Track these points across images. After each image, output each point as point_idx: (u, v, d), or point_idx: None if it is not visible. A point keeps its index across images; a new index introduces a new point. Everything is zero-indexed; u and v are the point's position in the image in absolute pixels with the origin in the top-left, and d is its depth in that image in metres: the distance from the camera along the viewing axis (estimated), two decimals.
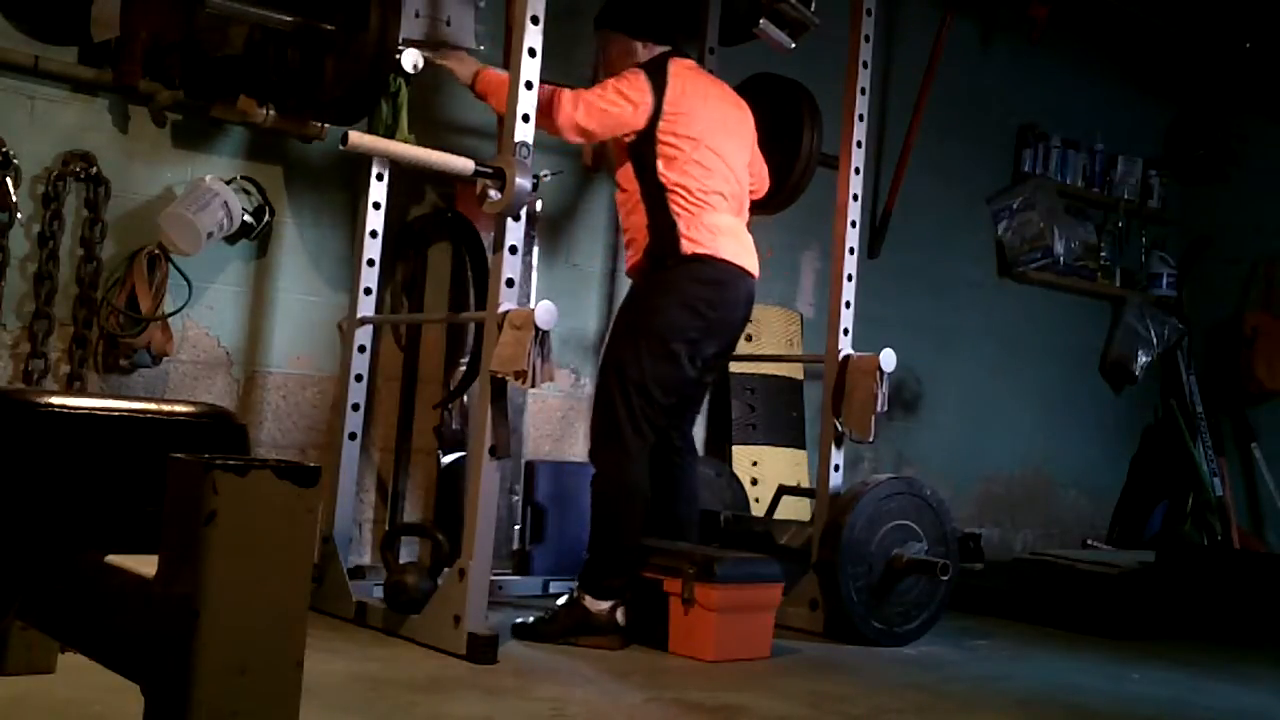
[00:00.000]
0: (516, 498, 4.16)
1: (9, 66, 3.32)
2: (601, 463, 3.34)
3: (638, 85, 3.34)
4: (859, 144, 3.84)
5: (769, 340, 4.82)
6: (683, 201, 3.36)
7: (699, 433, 4.68)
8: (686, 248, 3.33)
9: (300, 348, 3.82)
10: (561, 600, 3.35)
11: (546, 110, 3.23)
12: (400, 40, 3.39)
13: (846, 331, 3.81)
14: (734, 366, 4.72)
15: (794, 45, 3.83)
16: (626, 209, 3.47)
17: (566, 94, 3.27)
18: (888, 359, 3.65)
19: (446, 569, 3.17)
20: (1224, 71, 6.11)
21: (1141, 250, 6.08)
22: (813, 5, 3.77)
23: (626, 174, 3.44)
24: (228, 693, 1.33)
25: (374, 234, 3.59)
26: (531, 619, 3.31)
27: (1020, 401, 5.70)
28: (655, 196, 3.37)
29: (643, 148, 3.37)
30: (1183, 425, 5.97)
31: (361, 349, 3.59)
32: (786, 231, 4.76)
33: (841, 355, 3.77)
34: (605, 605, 3.25)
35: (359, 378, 3.58)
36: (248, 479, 1.33)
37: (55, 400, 1.73)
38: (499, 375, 3.03)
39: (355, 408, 3.55)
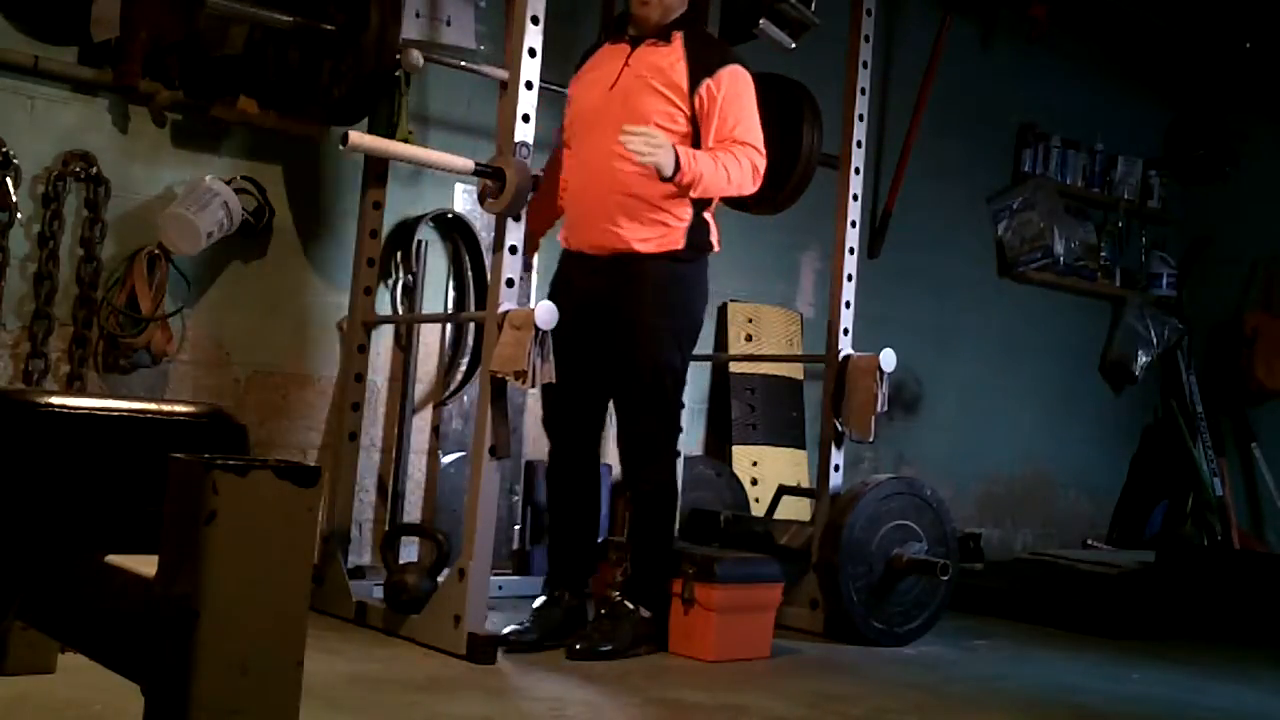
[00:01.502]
0: (516, 498, 4.16)
1: (9, 66, 3.31)
2: (658, 474, 3.24)
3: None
4: (859, 144, 3.84)
5: (769, 340, 4.82)
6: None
7: (699, 432, 4.68)
8: (714, 242, 3.28)
9: (300, 348, 3.82)
10: (604, 614, 3.20)
11: (742, 187, 3.19)
12: (400, 40, 3.39)
13: (846, 331, 3.81)
14: (734, 366, 4.72)
15: (794, 45, 3.84)
16: (665, 193, 3.15)
17: (749, 162, 3.17)
18: (888, 359, 3.65)
19: (446, 569, 3.18)
20: (1224, 71, 6.11)
21: (1141, 250, 6.08)
22: (813, 5, 3.77)
23: None
24: (228, 693, 1.33)
25: (374, 234, 3.60)
26: (581, 641, 3.11)
27: (1020, 401, 5.69)
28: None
29: None
30: (1183, 425, 5.97)
31: (361, 349, 3.59)
32: (786, 231, 4.75)
33: (841, 355, 3.77)
34: (652, 612, 3.22)
35: (359, 378, 3.58)
36: (248, 479, 1.33)
37: (55, 400, 1.73)
38: (499, 375, 3.03)
39: (355, 408, 3.56)
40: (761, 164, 3.21)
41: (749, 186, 3.21)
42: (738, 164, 3.16)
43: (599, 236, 3.21)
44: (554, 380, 3.01)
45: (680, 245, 3.20)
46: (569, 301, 3.13)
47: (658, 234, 3.17)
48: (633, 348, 3.19)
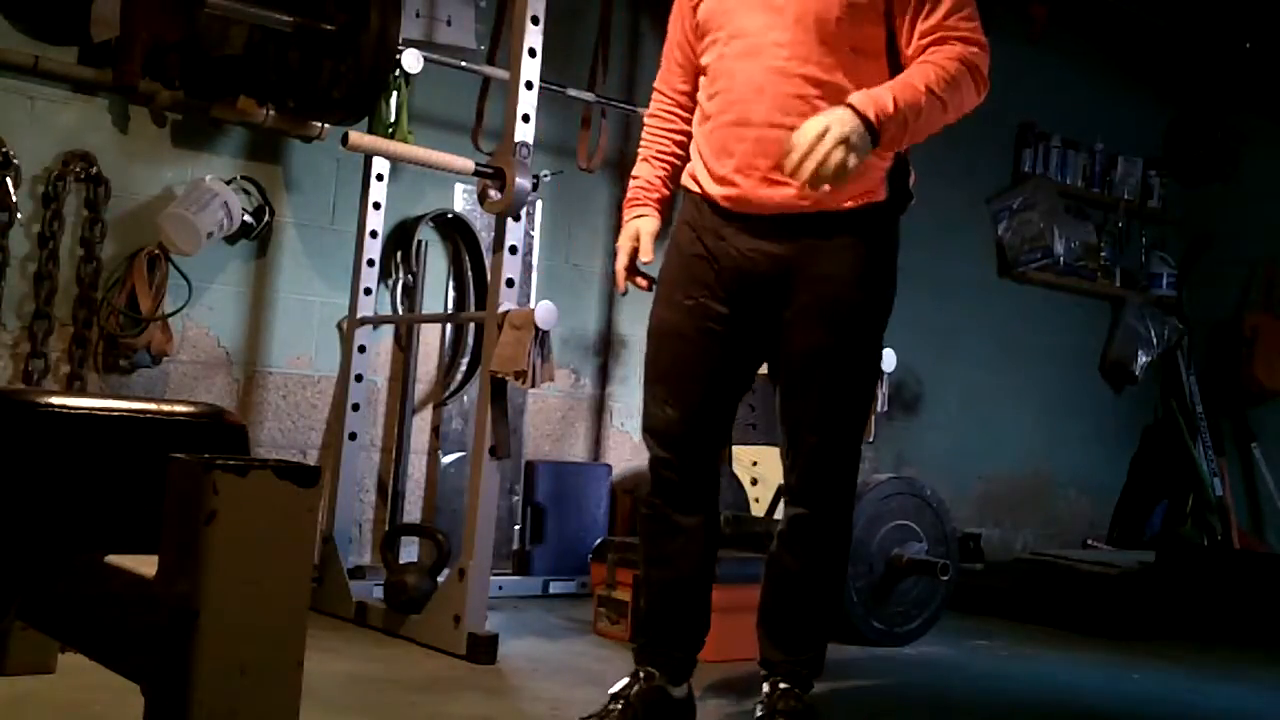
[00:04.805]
0: (516, 498, 4.16)
1: (9, 66, 3.32)
2: (846, 516, 2.46)
3: None
4: None
5: None
6: None
7: None
8: (912, 188, 2.42)
9: (300, 348, 3.82)
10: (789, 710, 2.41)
11: (964, 106, 2.38)
12: (400, 40, 3.39)
13: None
14: None
15: None
16: None
17: (964, 66, 2.34)
18: (888, 359, 3.65)
19: (446, 569, 3.18)
20: (1224, 71, 6.10)
21: (1141, 250, 6.08)
22: None
23: (868, 81, 2.28)
24: (228, 693, 1.33)
25: (374, 234, 3.60)
26: None
27: (1020, 401, 5.69)
28: None
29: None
30: (1183, 425, 5.96)
31: (361, 349, 3.59)
32: None
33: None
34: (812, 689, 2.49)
35: (359, 378, 3.58)
36: (248, 479, 1.33)
37: (55, 400, 1.73)
38: (499, 375, 3.03)
39: (355, 408, 3.56)
40: (984, 61, 2.36)
41: (973, 100, 2.38)
42: (950, 79, 2.26)
43: (772, 191, 2.30)
44: (554, 380, 2.97)
45: (882, 195, 2.37)
46: (718, 277, 2.37)
47: (854, 181, 2.24)
48: (831, 339, 2.35)
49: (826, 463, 2.41)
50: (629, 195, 2.55)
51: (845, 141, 2.11)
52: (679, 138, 2.52)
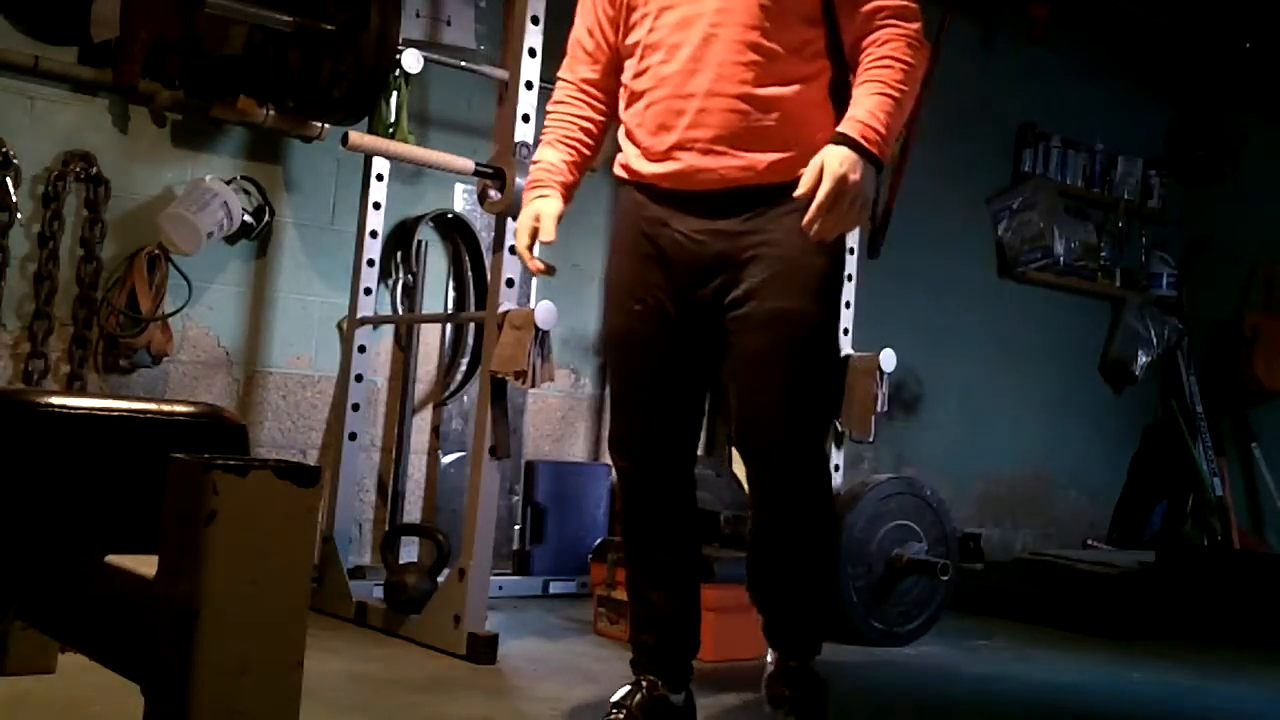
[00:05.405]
0: (516, 498, 4.16)
1: (9, 66, 3.32)
2: (825, 500, 2.42)
3: None
4: None
5: None
6: None
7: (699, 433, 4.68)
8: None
9: (300, 348, 3.82)
10: (796, 682, 2.43)
11: (921, 69, 2.31)
12: (400, 40, 3.39)
13: (846, 331, 3.81)
14: None
15: None
16: (791, 105, 2.25)
17: (910, 49, 2.30)
18: (888, 359, 3.65)
19: (446, 569, 3.18)
20: (1224, 71, 6.10)
21: (1141, 250, 6.07)
22: None
23: (807, 49, 2.28)
24: (228, 693, 1.33)
25: (374, 234, 3.60)
26: None
27: (1020, 401, 5.69)
28: (844, 85, 2.30)
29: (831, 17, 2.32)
30: (1183, 425, 5.97)
31: (361, 349, 3.59)
32: None
33: (841, 355, 3.77)
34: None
35: (359, 378, 3.58)
36: (248, 479, 1.34)
37: (55, 400, 1.73)
38: (499, 375, 3.03)
39: (355, 408, 3.56)
40: (920, 24, 2.34)
41: (924, 69, 2.34)
42: (908, 68, 2.25)
43: (716, 164, 2.24)
44: (554, 380, 2.96)
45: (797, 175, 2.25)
46: (667, 275, 2.30)
47: (800, 151, 2.20)
48: (784, 323, 2.24)
49: (801, 451, 2.28)
50: (531, 177, 2.42)
51: (860, 190, 2.11)
52: (585, 124, 2.44)
